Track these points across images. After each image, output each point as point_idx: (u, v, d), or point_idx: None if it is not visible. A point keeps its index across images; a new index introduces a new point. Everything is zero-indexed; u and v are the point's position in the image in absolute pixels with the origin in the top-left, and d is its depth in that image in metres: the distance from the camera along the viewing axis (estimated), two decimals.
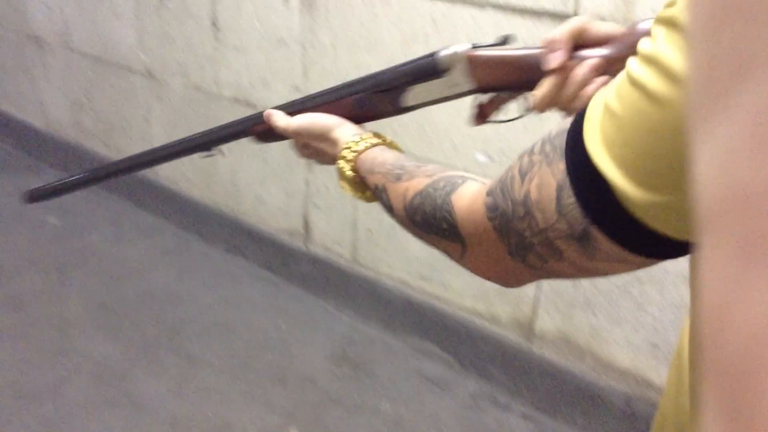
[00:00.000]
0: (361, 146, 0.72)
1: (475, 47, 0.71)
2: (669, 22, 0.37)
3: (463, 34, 1.64)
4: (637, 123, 0.38)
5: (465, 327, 1.93)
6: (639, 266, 0.44)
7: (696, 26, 0.18)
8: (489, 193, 0.50)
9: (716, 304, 0.17)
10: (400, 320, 2.07)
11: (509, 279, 0.53)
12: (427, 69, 0.74)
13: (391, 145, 0.75)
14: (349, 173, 0.72)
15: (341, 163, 0.73)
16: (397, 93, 0.76)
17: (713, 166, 0.17)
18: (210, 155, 0.89)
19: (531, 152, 0.47)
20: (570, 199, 0.42)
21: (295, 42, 2.01)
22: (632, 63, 0.39)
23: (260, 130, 0.86)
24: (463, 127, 1.73)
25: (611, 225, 0.41)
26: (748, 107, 0.16)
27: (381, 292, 2.09)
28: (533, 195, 0.45)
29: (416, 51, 1.75)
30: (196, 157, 0.91)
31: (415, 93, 0.76)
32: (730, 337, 0.16)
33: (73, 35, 2.73)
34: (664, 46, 0.36)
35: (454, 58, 0.71)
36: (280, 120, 0.82)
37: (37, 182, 3.10)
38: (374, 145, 0.73)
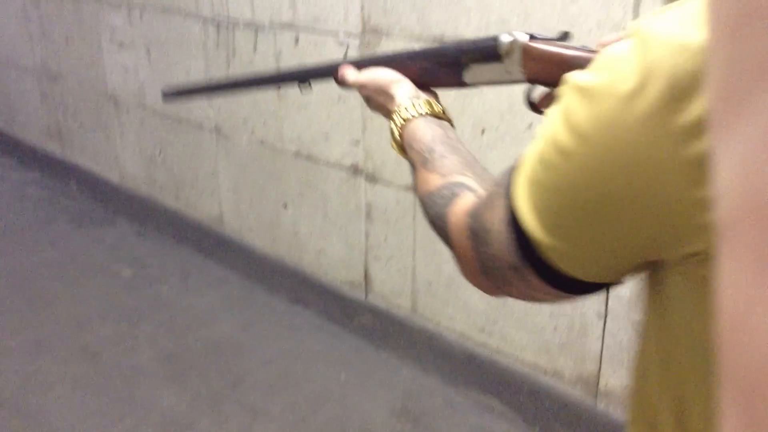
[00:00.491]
0: (409, 114, 0.75)
1: (532, 38, 0.71)
2: (581, 90, 0.40)
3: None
4: (546, 174, 0.43)
5: (527, 382, 1.89)
6: (564, 299, 0.49)
7: (716, 30, 0.17)
8: (470, 215, 0.54)
9: (734, 310, 0.17)
10: (461, 373, 2.05)
11: (486, 291, 0.57)
12: (486, 52, 0.75)
13: (440, 115, 0.77)
14: (398, 137, 0.76)
15: (392, 124, 0.77)
16: (458, 68, 0.78)
17: (732, 172, 0.17)
18: (306, 87, 0.96)
19: (498, 183, 0.51)
20: (510, 234, 0.47)
21: (354, 98, 2.06)
22: (550, 112, 0.43)
23: (339, 76, 0.91)
24: None
25: (535, 262, 0.46)
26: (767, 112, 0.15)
27: (441, 345, 2.08)
28: (493, 224, 0.49)
29: (469, 102, 1.77)
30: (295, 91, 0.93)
31: (473, 71, 0.77)
32: (748, 344, 0.16)
33: (148, 95, 2.88)
34: (571, 104, 0.40)
35: (512, 46, 0.72)
36: (350, 75, 0.87)
37: (113, 233, 3.15)
38: (422, 115, 0.75)
